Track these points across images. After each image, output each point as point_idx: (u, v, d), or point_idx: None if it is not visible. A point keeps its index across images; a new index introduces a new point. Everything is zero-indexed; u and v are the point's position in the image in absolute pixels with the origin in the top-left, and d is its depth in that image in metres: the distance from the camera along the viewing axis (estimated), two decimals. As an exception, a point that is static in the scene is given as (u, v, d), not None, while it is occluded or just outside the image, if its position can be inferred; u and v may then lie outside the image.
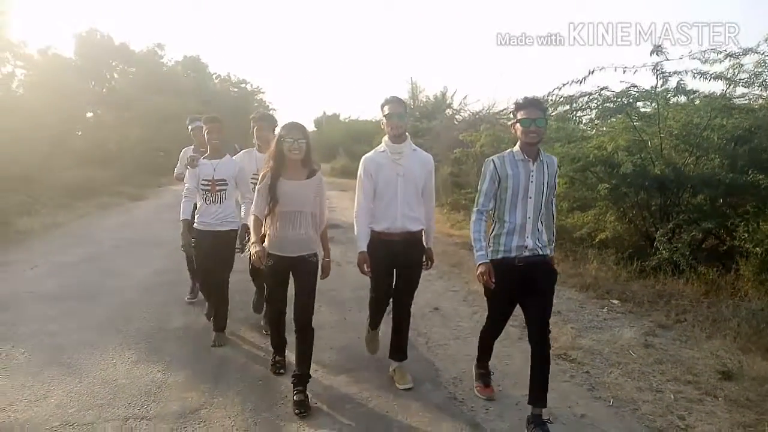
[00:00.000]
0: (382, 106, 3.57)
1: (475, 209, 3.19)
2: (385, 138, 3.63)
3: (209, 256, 4.29)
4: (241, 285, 5.09)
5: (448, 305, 5.53)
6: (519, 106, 3.05)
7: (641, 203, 7.44)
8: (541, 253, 3.11)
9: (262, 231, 3.35)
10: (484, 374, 3.54)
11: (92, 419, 3.08)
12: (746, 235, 6.25)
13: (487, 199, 3.15)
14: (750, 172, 6.42)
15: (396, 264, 3.58)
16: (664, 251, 6.32)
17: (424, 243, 3.69)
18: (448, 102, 22.61)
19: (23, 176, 11.62)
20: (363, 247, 3.55)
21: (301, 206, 3.27)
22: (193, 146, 5.32)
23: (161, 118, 22.73)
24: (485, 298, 3.37)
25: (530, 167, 3.05)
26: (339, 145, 27.88)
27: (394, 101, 3.55)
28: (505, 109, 15.95)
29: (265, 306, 4.41)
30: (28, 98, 18.79)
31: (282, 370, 3.70)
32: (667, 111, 7.06)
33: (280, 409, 3.26)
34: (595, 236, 7.54)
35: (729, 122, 6.73)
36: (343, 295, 5.70)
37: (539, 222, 3.11)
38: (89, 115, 25.34)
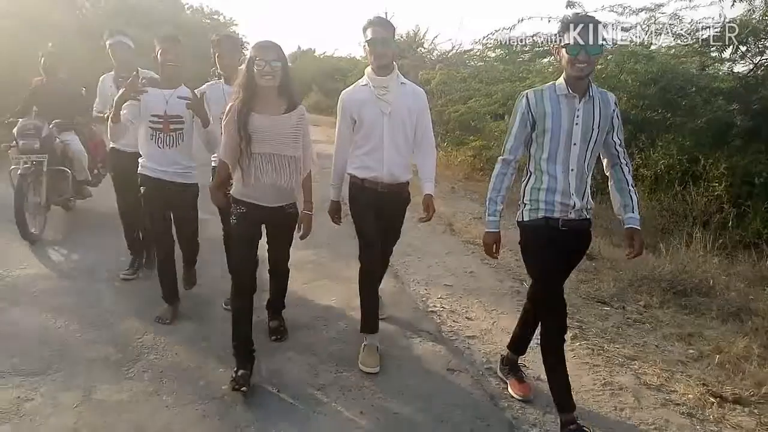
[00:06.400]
0: (364, 30, 2.96)
1: (500, 157, 2.56)
2: (368, 69, 3.05)
3: (164, 217, 3.43)
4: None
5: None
6: (566, 27, 2.33)
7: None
8: (587, 216, 2.53)
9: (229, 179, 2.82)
10: (516, 369, 2.98)
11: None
12: (640, 161, 7.70)
13: (516, 144, 2.51)
14: (659, 111, 7.80)
15: (379, 213, 3.13)
16: (583, 179, 7.72)
17: (424, 189, 3.15)
18: (419, 41, 23.26)
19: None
20: (336, 196, 3.23)
21: (278, 147, 2.71)
22: (113, 72, 4.12)
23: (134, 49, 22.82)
24: (530, 276, 2.78)
25: (575, 105, 2.40)
26: (313, 82, 28.34)
27: (378, 23, 2.95)
28: (471, 49, 16.99)
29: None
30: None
31: (244, 388, 2.66)
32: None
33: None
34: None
35: (641, 67, 8.02)
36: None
37: (586, 176, 2.48)
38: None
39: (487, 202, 2.58)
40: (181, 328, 3.42)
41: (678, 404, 2.83)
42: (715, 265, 4.67)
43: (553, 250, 2.47)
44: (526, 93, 2.50)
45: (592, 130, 2.41)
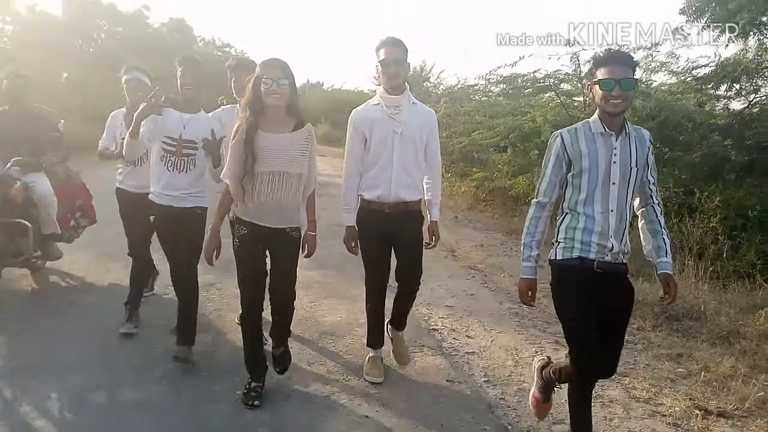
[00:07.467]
0: (377, 50, 2.97)
1: (534, 200, 2.47)
2: (380, 89, 3.08)
3: (171, 242, 3.31)
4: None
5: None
6: (599, 62, 2.29)
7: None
8: (624, 260, 2.38)
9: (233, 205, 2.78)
10: (549, 389, 2.71)
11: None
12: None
13: (551, 186, 2.42)
14: (656, 145, 8.09)
15: (391, 241, 3.11)
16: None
17: (428, 215, 3.17)
18: (425, 75, 23.91)
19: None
20: (351, 221, 3.13)
21: (286, 166, 2.68)
22: (125, 107, 3.87)
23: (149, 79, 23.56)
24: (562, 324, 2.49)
25: (613, 143, 2.31)
26: (321, 114, 29.00)
27: (391, 43, 2.95)
28: (476, 84, 17.51)
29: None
30: (19, 55, 19.47)
31: (257, 402, 2.83)
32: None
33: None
34: (528, 195, 9.18)
35: (639, 104, 8.35)
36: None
37: (626, 217, 2.34)
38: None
39: (522, 248, 2.46)
40: (197, 339, 3.61)
41: (665, 415, 3.00)
42: (706, 292, 4.85)
43: (586, 295, 2.29)
44: (560, 133, 2.40)
45: (631, 168, 2.30)
